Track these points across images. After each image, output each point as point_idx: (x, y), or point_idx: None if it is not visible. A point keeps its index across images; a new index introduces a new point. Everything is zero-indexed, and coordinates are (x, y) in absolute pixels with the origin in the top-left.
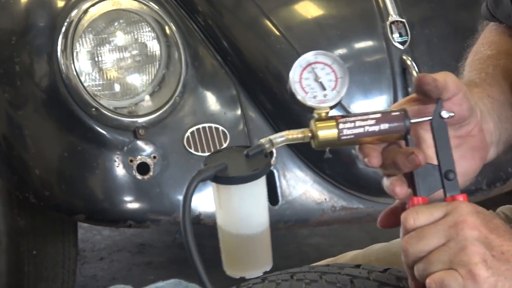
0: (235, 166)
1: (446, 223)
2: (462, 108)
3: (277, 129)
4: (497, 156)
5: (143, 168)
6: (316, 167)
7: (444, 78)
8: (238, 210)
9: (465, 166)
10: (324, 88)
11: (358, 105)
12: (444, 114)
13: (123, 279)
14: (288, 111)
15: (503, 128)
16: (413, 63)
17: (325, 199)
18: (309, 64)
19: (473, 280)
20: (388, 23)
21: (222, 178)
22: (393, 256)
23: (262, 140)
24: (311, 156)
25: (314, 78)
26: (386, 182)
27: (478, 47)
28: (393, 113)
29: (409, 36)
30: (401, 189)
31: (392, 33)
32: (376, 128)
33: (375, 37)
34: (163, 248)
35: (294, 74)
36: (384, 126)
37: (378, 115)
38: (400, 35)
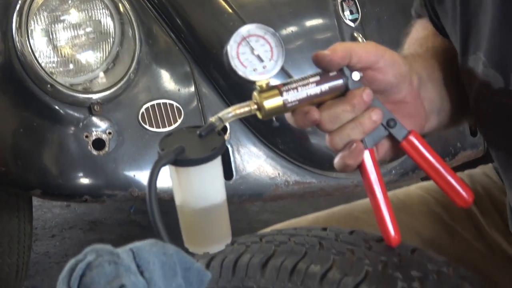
0: (191, 147)
1: None
2: (386, 76)
3: (230, 105)
4: (440, 127)
5: (98, 143)
6: (269, 142)
7: (345, 49)
8: (198, 190)
9: None
10: (261, 60)
11: None
12: (355, 76)
13: (76, 255)
14: (241, 87)
15: (446, 97)
16: (364, 40)
17: (279, 173)
18: (243, 39)
19: None
20: (339, 1)
21: (182, 161)
22: (355, 220)
23: (212, 119)
24: (265, 131)
25: (250, 51)
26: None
27: (413, 33)
28: (331, 74)
29: (360, 14)
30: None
31: (343, 11)
32: (317, 90)
33: (326, 15)
34: (114, 225)
35: (231, 50)
36: (325, 87)
37: (317, 78)
38: (351, 13)
